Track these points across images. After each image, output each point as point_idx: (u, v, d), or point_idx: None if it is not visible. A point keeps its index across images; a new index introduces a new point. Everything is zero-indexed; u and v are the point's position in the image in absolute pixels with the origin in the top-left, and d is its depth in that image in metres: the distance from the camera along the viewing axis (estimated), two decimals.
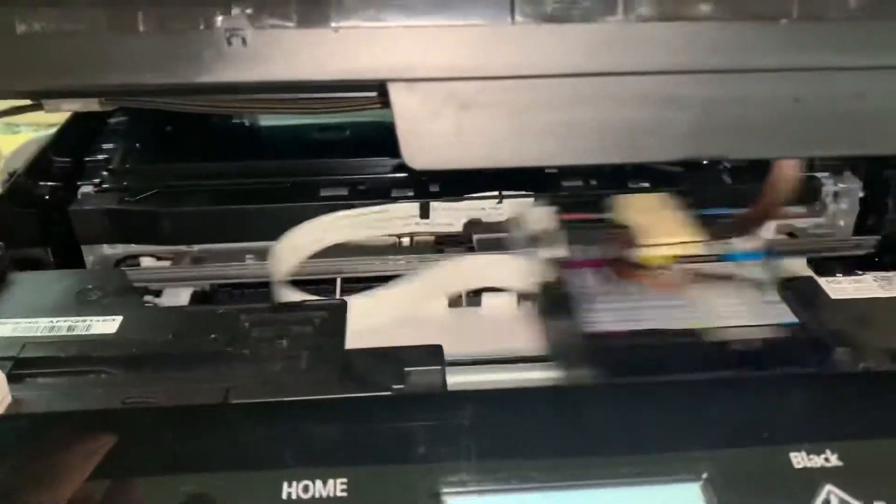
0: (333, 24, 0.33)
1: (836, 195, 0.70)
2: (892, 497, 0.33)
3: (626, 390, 0.39)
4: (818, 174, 0.69)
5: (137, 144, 0.67)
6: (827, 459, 0.35)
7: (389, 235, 0.64)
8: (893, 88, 0.38)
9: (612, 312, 0.48)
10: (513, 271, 0.53)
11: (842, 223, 0.70)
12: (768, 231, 0.69)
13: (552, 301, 0.48)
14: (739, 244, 0.56)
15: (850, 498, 0.33)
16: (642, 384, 0.40)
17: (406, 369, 0.41)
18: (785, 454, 0.35)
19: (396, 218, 0.62)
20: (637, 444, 0.36)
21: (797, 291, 0.50)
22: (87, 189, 0.61)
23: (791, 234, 0.70)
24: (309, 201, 0.62)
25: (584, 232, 0.55)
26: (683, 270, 0.52)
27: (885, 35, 0.35)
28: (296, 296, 0.50)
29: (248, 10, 0.33)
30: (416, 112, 0.36)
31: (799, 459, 0.35)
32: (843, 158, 0.61)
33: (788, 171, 0.47)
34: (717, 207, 0.59)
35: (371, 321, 0.49)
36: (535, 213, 0.58)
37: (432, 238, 0.64)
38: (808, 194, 0.67)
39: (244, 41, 0.33)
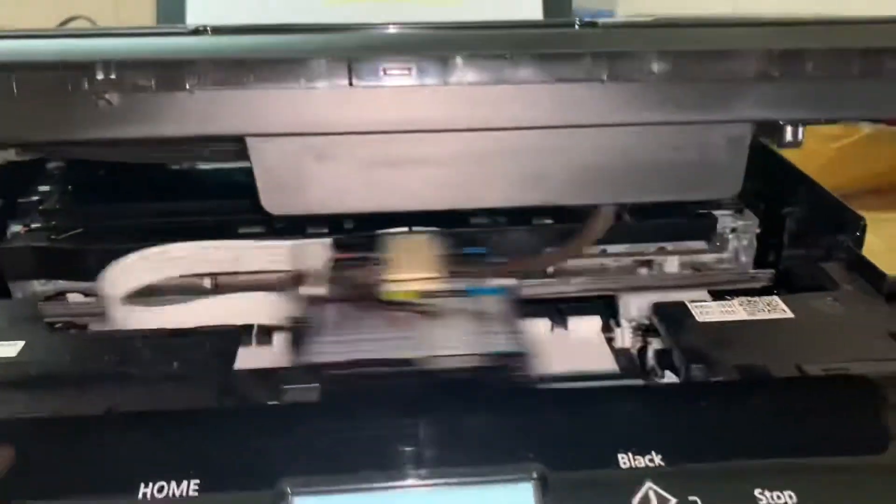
0: (188, 87, 0.38)
1: (734, 231, 0.74)
2: (706, 493, 0.37)
3: (467, 400, 0.43)
4: (716, 212, 0.73)
5: (70, 187, 0.71)
6: (651, 460, 0.38)
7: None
8: (704, 141, 0.42)
9: (336, 345, 0.50)
10: (265, 308, 0.56)
11: (744, 259, 0.74)
12: (672, 265, 0.73)
13: (291, 335, 0.52)
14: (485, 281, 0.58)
15: (667, 494, 0.37)
16: (486, 395, 0.43)
17: (283, 387, 0.45)
18: (613, 455, 0.39)
19: (307, 254, 0.66)
20: (478, 450, 0.39)
21: (667, 315, 0.54)
22: (16, 228, 0.65)
23: (696, 269, 0.74)
24: (226, 238, 0.65)
25: (344, 270, 0.57)
26: (423, 305, 0.54)
27: (689, 95, 0.40)
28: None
29: (112, 76, 0.37)
30: (272, 163, 0.41)
31: (626, 460, 0.38)
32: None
33: (605, 216, 0.51)
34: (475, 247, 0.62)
35: None
36: (310, 252, 0.60)
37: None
38: (704, 230, 0.72)
39: (110, 103, 0.38)
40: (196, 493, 0.36)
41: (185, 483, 0.37)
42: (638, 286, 0.67)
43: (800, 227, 0.70)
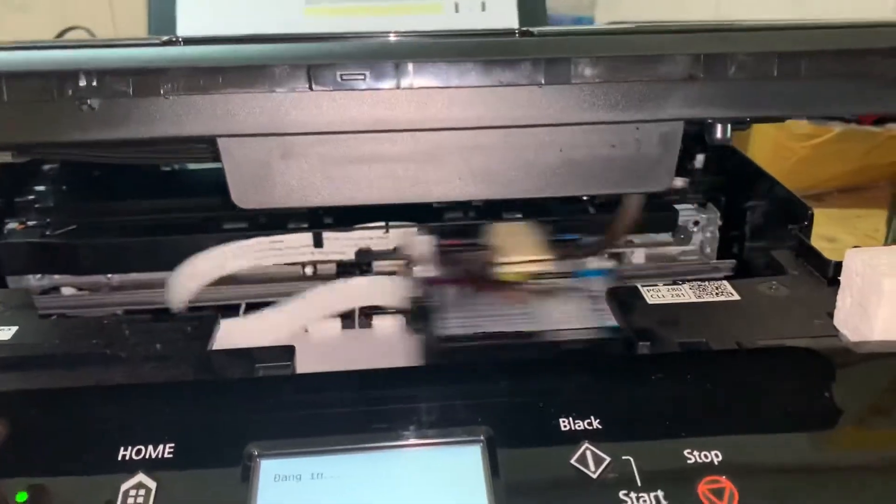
0: (163, 93, 0.42)
1: (697, 224, 0.78)
2: (639, 453, 0.41)
3: (426, 373, 0.47)
4: (679, 206, 0.77)
5: (64, 187, 0.75)
6: (590, 424, 0.42)
7: (289, 264, 0.71)
8: (636, 138, 0.46)
9: (461, 320, 0.56)
10: (389, 291, 0.61)
11: (708, 250, 0.78)
12: (639, 257, 0.77)
13: (417, 313, 0.57)
14: (589, 263, 0.65)
15: (603, 454, 0.41)
16: (440, 368, 0.47)
17: (257, 365, 0.49)
18: (556, 419, 0.43)
19: (291, 247, 0.70)
20: (432, 416, 0.43)
21: (620, 297, 0.58)
22: (12, 225, 0.69)
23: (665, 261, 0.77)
24: (212, 233, 0.69)
25: (453, 255, 0.63)
26: (533, 285, 0.61)
27: (621, 96, 0.44)
28: None
29: (94, 83, 0.41)
30: (241, 161, 0.45)
31: (566, 424, 0.42)
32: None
33: (635, 205, 0.57)
34: (575, 234, 0.68)
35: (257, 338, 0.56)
36: (416, 240, 0.66)
37: (334, 266, 0.72)
38: (666, 223, 0.75)
39: (92, 108, 0.42)
40: (171, 456, 0.40)
41: (161, 447, 0.41)
42: None
43: (758, 219, 0.73)
